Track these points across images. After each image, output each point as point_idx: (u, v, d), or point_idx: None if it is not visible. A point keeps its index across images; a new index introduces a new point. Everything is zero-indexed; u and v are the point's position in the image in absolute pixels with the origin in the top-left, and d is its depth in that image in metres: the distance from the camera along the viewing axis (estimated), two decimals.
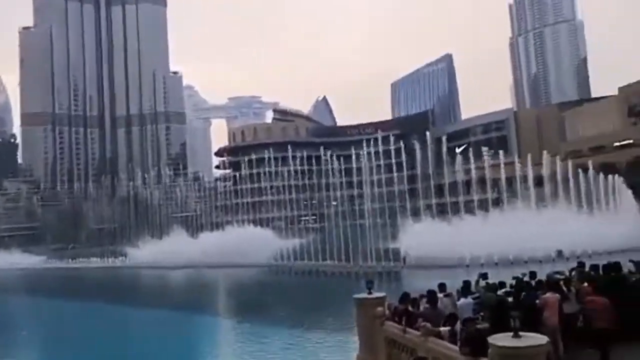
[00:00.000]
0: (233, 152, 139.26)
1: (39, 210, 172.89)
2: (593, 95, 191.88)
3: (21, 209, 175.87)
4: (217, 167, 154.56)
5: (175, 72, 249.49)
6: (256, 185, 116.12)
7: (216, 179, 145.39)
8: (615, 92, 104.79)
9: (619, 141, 64.83)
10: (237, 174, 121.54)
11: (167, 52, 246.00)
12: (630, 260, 15.30)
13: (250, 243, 63.78)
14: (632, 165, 59.33)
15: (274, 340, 23.88)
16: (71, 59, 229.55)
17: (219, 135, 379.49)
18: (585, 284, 12.32)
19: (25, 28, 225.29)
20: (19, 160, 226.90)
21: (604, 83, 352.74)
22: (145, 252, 72.90)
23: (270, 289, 43.67)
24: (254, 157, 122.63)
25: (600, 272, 14.05)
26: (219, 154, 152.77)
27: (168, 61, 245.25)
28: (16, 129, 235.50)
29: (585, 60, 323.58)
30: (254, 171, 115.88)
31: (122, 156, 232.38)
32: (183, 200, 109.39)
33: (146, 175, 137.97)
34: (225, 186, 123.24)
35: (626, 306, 11.81)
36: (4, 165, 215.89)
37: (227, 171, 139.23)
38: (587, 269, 14.67)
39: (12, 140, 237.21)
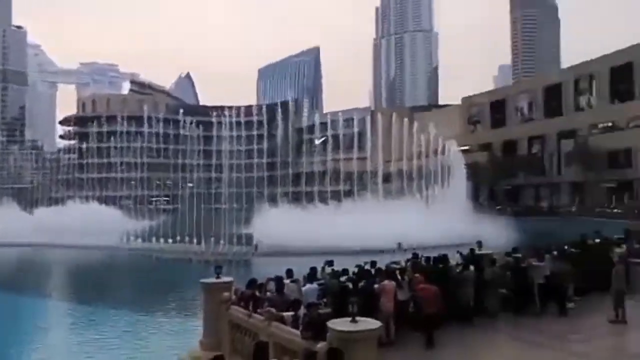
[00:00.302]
0: (81, 122, 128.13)
1: None
2: (440, 102, 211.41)
3: None
4: (62, 137, 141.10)
5: (18, 27, 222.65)
6: (105, 160, 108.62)
7: (59, 150, 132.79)
8: (459, 102, 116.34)
9: (459, 146, 72.24)
10: (84, 146, 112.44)
11: (10, 3, 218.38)
12: (458, 252, 17.22)
13: (93, 221, 59.50)
14: (469, 168, 67.03)
15: (112, 325, 22.54)
16: None
17: (66, 102, 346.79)
18: (417, 275, 13.44)
19: None
20: None
21: (449, 92, 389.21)
22: None
23: (113, 272, 41.10)
24: (105, 129, 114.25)
25: (431, 263, 15.50)
26: (64, 122, 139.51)
27: (10, 13, 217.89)
28: None
29: (436, 69, 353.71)
30: (104, 145, 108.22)
31: None
32: (17, 170, 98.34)
33: None
34: (69, 158, 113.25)
35: (450, 294, 13.39)
36: None
37: (73, 142, 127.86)
38: (421, 260, 16.04)
39: None
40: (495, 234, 35.82)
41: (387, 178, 71.41)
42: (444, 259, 15.23)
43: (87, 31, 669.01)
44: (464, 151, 77.21)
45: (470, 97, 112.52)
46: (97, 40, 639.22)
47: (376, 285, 12.72)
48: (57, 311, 27.41)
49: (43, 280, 37.46)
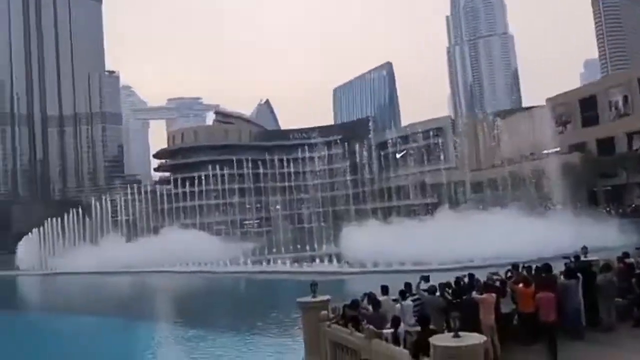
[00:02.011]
0: (173, 155, 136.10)
1: None
2: (524, 104, 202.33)
3: None
4: (156, 169, 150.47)
5: (111, 72, 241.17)
6: (197, 188, 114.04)
7: (155, 182, 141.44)
8: (544, 103, 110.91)
9: (549, 148, 68.68)
10: (178, 177, 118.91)
11: (103, 50, 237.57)
12: (565, 257, 16.10)
13: (191, 247, 62.64)
14: (562, 171, 63.24)
15: (220, 346, 23.48)
16: None
17: (158, 137, 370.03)
18: (520, 285, 12.93)
19: None
20: None
21: (533, 93, 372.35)
22: (81, 257, 69.83)
23: (212, 295, 42.94)
24: (195, 159, 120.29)
25: (533, 272, 14.79)
26: (158, 156, 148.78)
27: (104, 60, 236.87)
28: None
29: (516, 71, 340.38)
30: (195, 174, 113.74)
31: (54, 157, 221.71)
32: (120, 204, 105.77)
33: (81, 178, 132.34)
34: (164, 189, 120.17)
35: (557, 305, 12.58)
36: None
37: (167, 174, 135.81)
38: (522, 270, 15.37)
39: None
40: (605, 237, 33.23)
41: (476, 188, 68.95)
42: (547, 267, 14.47)
43: (172, 69, 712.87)
44: (554, 153, 73.35)
45: (556, 96, 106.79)
46: (181, 76, 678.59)
47: (479, 297, 12.33)
48: (164, 334, 28.96)
49: (149, 305, 39.90)
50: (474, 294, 12.54)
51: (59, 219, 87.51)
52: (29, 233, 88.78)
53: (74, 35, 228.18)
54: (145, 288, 49.72)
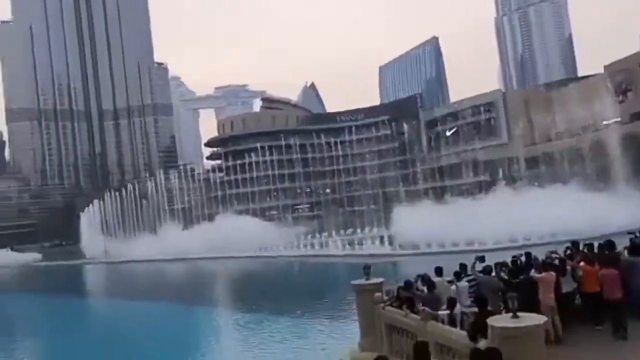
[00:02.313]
0: (223, 143, 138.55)
1: (31, 208, 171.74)
2: (580, 74, 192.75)
3: (13, 207, 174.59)
4: (208, 158, 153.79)
5: (160, 63, 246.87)
6: (248, 175, 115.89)
7: (207, 170, 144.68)
8: (601, 71, 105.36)
9: (609, 119, 65.11)
10: (229, 165, 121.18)
11: (151, 43, 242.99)
12: (630, 232, 15.32)
13: (244, 233, 63.94)
14: (624, 142, 59.84)
15: (277, 330, 23.94)
16: (53, 53, 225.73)
17: (208, 125, 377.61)
18: (582, 263, 12.49)
19: (3, 22, 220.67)
20: (7, 158, 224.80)
21: (590, 61, 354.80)
22: (141, 245, 72.72)
23: (268, 279, 43.83)
24: (244, 146, 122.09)
25: (595, 250, 14.24)
26: (209, 144, 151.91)
27: (153, 52, 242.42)
28: (2, 126, 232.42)
29: (570, 39, 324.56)
30: (246, 161, 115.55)
31: (111, 149, 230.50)
32: (176, 193, 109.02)
33: (137, 169, 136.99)
34: (217, 177, 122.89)
35: (622, 284, 12.04)
36: None
37: (218, 162, 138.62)
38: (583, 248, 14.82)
39: None
40: None
41: (530, 163, 66.55)
42: (610, 244, 13.86)
43: (218, 56, 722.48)
44: (615, 124, 69.78)
45: (614, 63, 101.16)
46: (227, 63, 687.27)
47: (537, 275, 12.00)
48: (222, 319, 29.78)
49: (207, 291, 41.15)
50: (532, 272, 12.22)
51: (120, 209, 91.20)
52: (92, 222, 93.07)
53: (124, 30, 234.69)
54: (204, 274, 51.29)
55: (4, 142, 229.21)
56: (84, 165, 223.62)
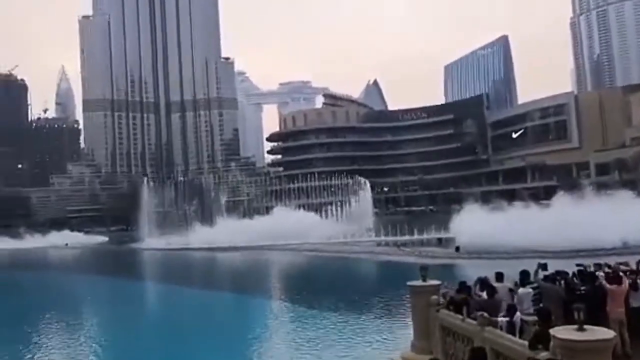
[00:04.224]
0: (284, 138, 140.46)
1: (101, 194, 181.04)
2: None
3: (85, 191, 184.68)
4: (269, 152, 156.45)
5: (226, 58, 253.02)
6: (307, 170, 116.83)
7: (268, 164, 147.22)
8: None
9: None
10: (289, 159, 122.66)
11: (219, 38, 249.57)
12: None
13: (300, 227, 64.54)
14: None
15: (329, 325, 23.89)
16: (128, 47, 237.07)
17: (270, 120, 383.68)
18: None
19: (84, 17, 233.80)
20: (82, 145, 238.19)
21: None
22: (200, 235, 74.96)
23: (321, 275, 43.93)
24: (304, 142, 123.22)
25: None
26: (270, 139, 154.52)
27: (220, 47, 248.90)
28: (79, 115, 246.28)
29: None
30: (305, 157, 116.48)
31: (176, 141, 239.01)
32: (236, 185, 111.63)
33: (201, 160, 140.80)
34: (276, 171, 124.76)
35: None
36: (68, 150, 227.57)
37: (279, 156, 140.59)
38: None
39: (76, 125, 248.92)
40: None
41: (601, 170, 63.31)
42: None
43: (282, 52, 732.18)
44: None
45: None
46: (291, 59, 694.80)
47: (609, 287, 11.32)
48: (273, 311, 30.00)
49: (261, 282, 41.80)
50: (604, 282, 11.56)
51: (184, 198, 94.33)
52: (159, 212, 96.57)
53: (193, 25, 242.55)
54: (258, 265, 52.17)
55: (80, 130, 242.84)
56: (150, 154, 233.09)
